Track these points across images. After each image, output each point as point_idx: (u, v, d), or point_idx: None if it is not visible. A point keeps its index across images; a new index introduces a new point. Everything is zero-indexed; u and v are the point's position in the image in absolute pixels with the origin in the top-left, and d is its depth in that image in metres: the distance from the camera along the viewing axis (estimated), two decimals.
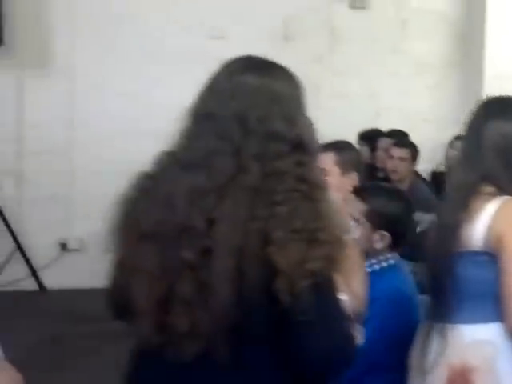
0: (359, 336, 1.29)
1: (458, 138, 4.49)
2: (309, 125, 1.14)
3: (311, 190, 1.05)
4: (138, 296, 1.05)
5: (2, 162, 4.29)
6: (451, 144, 4.55)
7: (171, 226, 1.03)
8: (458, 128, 4.69)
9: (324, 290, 1.01)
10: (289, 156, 1.05)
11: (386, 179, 3.59)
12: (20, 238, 4.36)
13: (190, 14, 4.56)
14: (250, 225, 1.00)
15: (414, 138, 3.95)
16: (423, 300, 1.69)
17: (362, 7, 4.90)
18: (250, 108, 1.07)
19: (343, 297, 1.13)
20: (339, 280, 1.09)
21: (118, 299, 1.13)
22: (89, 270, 4.45)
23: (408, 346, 1.62)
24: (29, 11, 4.43)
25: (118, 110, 4.49)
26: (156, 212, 1.05)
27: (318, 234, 1.01)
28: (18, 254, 4.33)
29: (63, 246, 4.59)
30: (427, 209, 3.31)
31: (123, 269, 1.09)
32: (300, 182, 1.04)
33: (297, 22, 4.75)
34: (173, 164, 1.09)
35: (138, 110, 4.50)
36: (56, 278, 4.43)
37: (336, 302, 1.04)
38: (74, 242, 4.60)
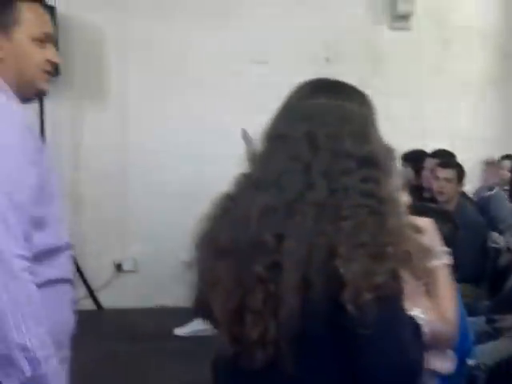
0: (449, 363, 1.29)
1: (505, 157, 4.45)
2: (381, 142, 1.16)
3: (380, 204, 1.07)
4: (215, 308, 1.13)
5: (61, 185, 4.49)
6: (498, 163, 4.50)
7: (245, 243, 1.10)
8: (504, 147, 4.70)
9: (387, 304, 1.02)
10: (356, 172, 1.09)
11: (432, 200, 3.59)
12: (78, 260, 4.56)
13: (233, 40, 4.72)
14: (316, 239, 1.04)
15: (459, 157, 3.94)
16: (472, 322, 1.69)
17: (403, 28, 4.95)
18: (319, 127, 1.11)
19: (416, 313, 1.15)
20: (422, 298, 1.12)
21: (203, 312, 1.22)
22: (142, 290, 4.63)
23: (460, 368, 1.62)
24: (84, 43, 4.67)
25: (168, 135, 4.67)
26: (232, 230, 1.13)
27: (384, 249, 1.03)
28: (76, 275, 4.51)
29: (118, 267, 4.77)
30: (474, 229, 3.32)
31: (204, 283, 1.18)
32: (367, 198, 1.07)
33: (338, 45, 4.84)
34: (248, 184, 1.16)
35: (187, 134, 4.67)
36: (112, 298, 4.61)
37: (399, 318, 1.06)
38: (129, 263, 4.77)
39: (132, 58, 4.69)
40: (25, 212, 1.29)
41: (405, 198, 2.14)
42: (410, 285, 1.09)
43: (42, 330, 1.25)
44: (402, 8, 4.86)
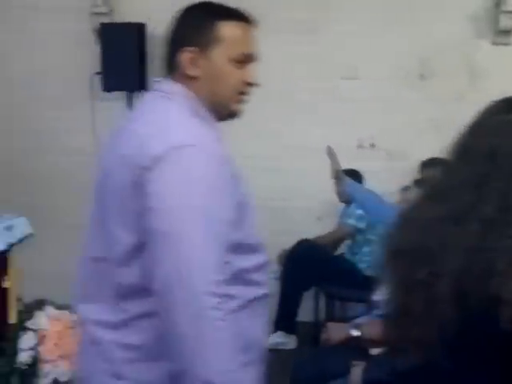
0: None
1: None
2: None
3: None
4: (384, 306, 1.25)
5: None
6: None
7: (411, 248, 1.15)
8: None
9: None
10: None
11: None
12: None
13: (322, 54, 4.67)
14: (478, 254, 1.05)
15: None
16: None
17: (506, 43, 4.73)
18: (503, 144, 1.11)
19: None
20: None
21: None
22: None
23: None
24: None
25: (252, 150, 4.63)
26: (402, 235, 1.19)
27: None
28: None
29: None
30: None
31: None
32: None
33: (434, 60, 4.68)
34: (427, 196, 1.22)
35: (273, 150, 4.66)
36: None
37: None
38: None
39: None
40: (221, 242, 1.29)
41: None
42: None
43: (226, 367, 1.24)
44: (504, 23, 4.66)
